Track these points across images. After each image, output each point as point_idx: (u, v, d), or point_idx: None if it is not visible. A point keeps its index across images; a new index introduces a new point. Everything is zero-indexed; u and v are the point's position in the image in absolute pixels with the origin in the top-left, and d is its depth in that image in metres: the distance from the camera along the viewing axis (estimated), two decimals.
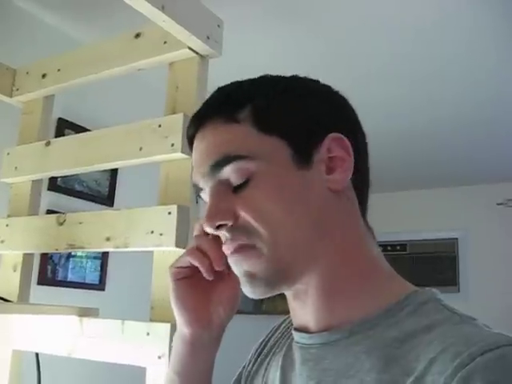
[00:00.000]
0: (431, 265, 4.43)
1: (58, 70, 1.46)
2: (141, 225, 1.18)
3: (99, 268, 2.34)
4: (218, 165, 0.51)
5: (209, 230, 0.52)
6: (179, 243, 1.12)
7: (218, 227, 0.51)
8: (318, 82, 0.58)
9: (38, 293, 1.67)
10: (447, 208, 4.36)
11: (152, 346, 1.10)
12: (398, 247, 4.51)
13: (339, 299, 0.52)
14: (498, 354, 0.40)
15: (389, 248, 4.38)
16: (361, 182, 0.55)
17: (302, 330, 0.55)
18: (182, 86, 1.24)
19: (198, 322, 0.58)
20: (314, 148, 0.52)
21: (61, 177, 2.13)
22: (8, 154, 1.52)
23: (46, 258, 2.10)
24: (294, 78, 0.57)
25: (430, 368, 0.43)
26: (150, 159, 1.23)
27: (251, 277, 0.50)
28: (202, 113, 0.55)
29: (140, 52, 1.29)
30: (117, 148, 1.28)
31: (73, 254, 2.22)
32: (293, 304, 0.55)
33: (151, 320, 1.15)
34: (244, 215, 0.50)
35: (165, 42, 1.24)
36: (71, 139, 1.48)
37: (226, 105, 0.53)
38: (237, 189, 0.51)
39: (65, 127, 2.18)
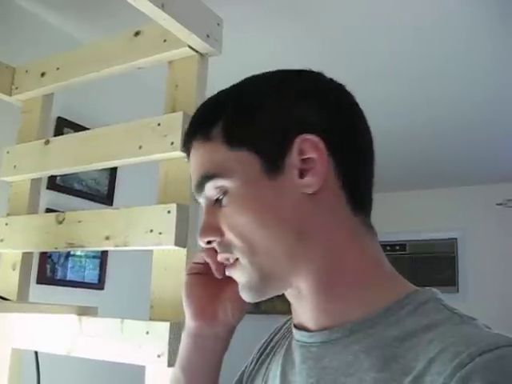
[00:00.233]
0: (430, 265, 4.43)
1: (58, 68, 1.46)
2: (140, 224, 1.18)
3: (98, 267, 2.34)
4: (200, 185, 0.54)
5: (202, 244, 0.55)
6: (178, 242, 1.12)
7: (209, 242, 0.54)
8: (300, 76, 0.56)
9: (37, 292, 1.67)
10: (446, 208, 4.36)
11: (151, 345, 1.09)
12: (398, 247, 4.51)
13: (335, 300, 0.52)
14: (497, 355, 0.40)
15: (388, 248, 4.38)
16: (352, 180, 0.53)
17: (303, 328, 0.55)
18: (181, 85, 1.24)
19: (202, 315, 0.60)
20: (283, 154, 0.51)
21: (60, 175, 2.12)
22: (7, 152, 1.52)
23: (45, 256, 2.10)
24: (267, 82, 0.56)
25: (429, 368, 0.43)
26: (149, 158, 1.23)
27: (242, 285, 0.54)
28: (188, 133, 0.57)
29: (139, 50, 1.29)
30: (116, 147, 1.28)
31: (72, 253, 2.21)
32: (292, 303, 0.56)
33: (150, 319, 1.15)
34: (226, 231, 0.52)
35: (164, 41, 1.24)
36: (70, 138, 1.48)
37: (202, 124, 0.55)
38: (220, 205, 0.53)
39: (64, 126, 2.17)
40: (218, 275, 0.58)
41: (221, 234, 0.53)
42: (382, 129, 3.18)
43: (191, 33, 1.17)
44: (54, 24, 2.16)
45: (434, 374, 0.42)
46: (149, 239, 1.16)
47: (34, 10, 2.07)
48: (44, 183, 2.01)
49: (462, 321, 0.47)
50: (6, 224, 1.44)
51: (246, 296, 0.54)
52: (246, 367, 0.66)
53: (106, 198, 2.39)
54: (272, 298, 0.56)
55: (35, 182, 1.50)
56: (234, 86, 0.57)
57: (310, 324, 0.53)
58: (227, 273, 0.55)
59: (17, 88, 1.55)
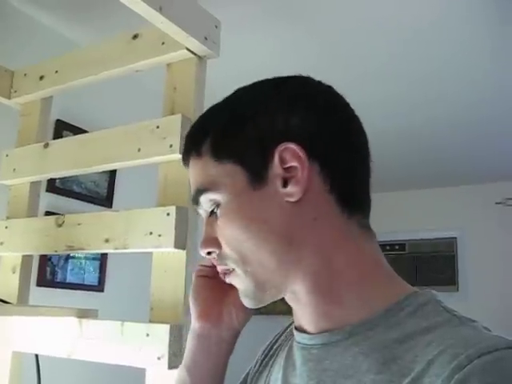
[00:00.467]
0: (430, 264, 4.44)
1: (56, 71, 1.46)
2: (140, 226, 1.18)
3: (98, 269, 2.34)
4: (195, 198, 0.56)
5: (203, 255, 0.57)
6: (178, 244, 1.12)
7: (209, 253, 0.56)
8: (285, 84, 0.57)
9: (37, 294, 1.67)
10: (446, 207, 4.36)
11: (151, 348, 1.10)
12: (397, 247, 4.51)
13: (332, 303, 0.52)
14: (495, 357, 0.40)
15: (388, 248, 4.39)
16: (343, 183, 0.53)
17: (303, 330, 0.55)
18: (179, 87, 1.24)
19: (208, 317, 0.61)
20: (267, 165, 0.52)
21: (59, 178, 2.13)
22: (7, 155, 1.52)
23: (44, 259, 2.10)
24: (252, 94, 0.57)
25: (427, 370, 0.43)
26: (148, 160, 1.23)
27: (240, 293, 0.56)
28: (184, 150, 0.59)
29: (138, 53, 1.29)
30: (115, 149, 1.28)
31: (72, 255, 2.21)
32: (292, 306, 0.56)
33: (150, 321, 1.15)
34: (222, 243, 0.54)
35: (162, 43, 1.24)
36: (69, 141, 1.48)
37: (193, 142, 0.57)
38: (216, 217, 0.55)
39: (63, 129, 2.18)
40: (223, 277, 0.59)
41: (219, 245, 0.55)
42: (381, 129, 3.20)
43: (189, 35, 1.17)
44: (51, 26, 2.17)
45: (432, 376, 0.42)
46: (148, 241, 1.16)
47: (31, 13, 2.08)
48: (43, 186, 2.01)
49: (461, 323, 0.47)
50: (6, 227, 1.44)
51: (246, 303, 0.56)
52: (250, 369, 0.66)
53: (105, 200, 2.39)
54: None
55: (35, 185, 1.50)
56: (223, 100, 0.58)
57: (309, 327, 0.54)
58: (227, 280, 0.57)
59: (16, 91, 1.55)
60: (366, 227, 0.55)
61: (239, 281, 0.55)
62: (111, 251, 1.26)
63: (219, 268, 0.57)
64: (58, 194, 2.17)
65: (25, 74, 1.54)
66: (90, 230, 1.28)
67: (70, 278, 2.21)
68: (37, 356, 1.28)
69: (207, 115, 0.59)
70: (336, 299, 0.52)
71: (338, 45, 2.27)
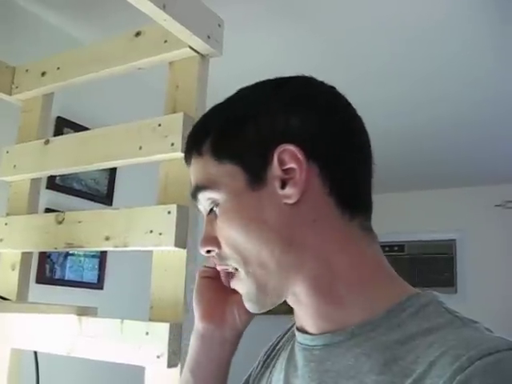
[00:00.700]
0: (429, 266, 4.44)
1: (58, 68, 1.46)
2: (140, 224, 1.18)
3: (97, 267, 2.34)
4: (193, 194, 0.57)
5: (203, 254, 0.57)
6: (178, 243, 1.12)
7: (209, 251, 0.56)
8: (287, 84, 0.57)
9: (36, 291, 1.67)
10: (446, 209, 4.36)
11: (151, 346, 1.10)
12: (396, 248, 4.51)
13: (333, 305, 0.52)
14: (497, 358, 0.40)
15: (387, 249, 4.39)
16: (344, 184, 0.53)
17: (305, 331, 0.55)
18: (182, 86, 1.24)
19: (210, 317, 0.62)
20: (266, 166, 0.52)
21: (59, 175, 2.12)
22: (7, 152, 1.51)
23: (44, 256, 2.10)
24: (253, 94, 0.57)
25: (429, 371, 0.43)
26: (149, 158, 1.23)
27: (243, 297, 0.56)
28: (185, 149, 0.59)
29: (140, 51, 1.29)
30: (116, 147, 1.28)
31: (71, 252, 2.21)
32: (293, 307, 0.56)
33: (150, 320, 1.15)
34: (222, 243, 0.54)
35: (165, 41, 1.24)
36: (70, 138, 1.48)
37: (194, 141, 0.58)
38: (215, 216, 0.55)
39: (63, 126, 2.17)
40: (225, 283, 0.59)
41: (218, 245, 0.55)
42: (382, 129, 3.20)
43: (192, 34, 1.17)
44: (54, 24, 2.16)
45: (434, 378, 0.42)
46: (149, 240, 1.16)
47: (35, 10, 2.07)
48: (43, 183, 2.01)
49: (463, 324, 0.47)
50: (6, 224, 1.44)
51: (249, 307, 0.56)
52: (252, 370, 0.66)
53: (105, 197, 2.39)
54: None
55: (35, 182, 1.50)
56: (225, 100, 0.59)
57: (311, 328, 0.54)
58: (232, 285, 0.57)
59: (17, 87, 1.55)
60: (367, 229, 0.55)
61: (242, 284, 0.55)
62: (111, 249, 1.25)
63: (219, 268, 0.57)
64: (57, 191, 2.17)
65: (26, 70, 1.54)
66: (91, 228, 1.28)
67: (68, 276, 2.21)
68: (36, 353, 1.28)
69: (209, 115, 0.59)
70: (337, 301, 0.52)
71: (342, 44, 2.27)
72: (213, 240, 0.55)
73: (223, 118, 0.57)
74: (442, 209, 4.37)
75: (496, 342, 0.42)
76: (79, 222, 1.31)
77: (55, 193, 2.16)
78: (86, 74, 1.40)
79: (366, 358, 0.48)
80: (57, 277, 2.16)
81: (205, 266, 0.63)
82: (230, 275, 0.56)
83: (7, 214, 1.48)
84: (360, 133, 0.56)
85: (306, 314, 0.54)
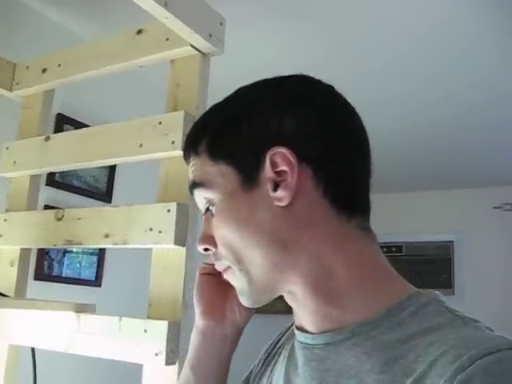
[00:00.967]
0: (427, 267, 4.44)
1: (59, 65, 1.46)
2: (140, 222, 1.18)
3: (96, 264, 2.34)
4: (190, 190, 0.58)
5: (201, 251, 0.58)
6: (178, 241, 1.12)
7: (206, 249, 0.57)
8: (284, 84, 0.56)
9: (35, 288, 1.67)
10: (444, 210, 4.37)
11: (149, 344, 1.10)
12: (394, 249, 4.52)
13: (332, 304, 0.52)
14: (498, 358, 0.40)
15: (385, 249, 4.27)
16: (341, 185, 0.53)
17: (305, 330, 0.55)
18: (183, 84, 1.24)
19: (211, 313, 0.62)
20: (259, 168, 0.52)
21: (59, 172, 2.12)
22: (7, 148, 1.51)
23: (43, 253, 2.10)
24: (250, 94, 0.57)
25: (430, 371, 0.43)
26: (149, 156, 1.23)
27: (238, 291, 0.56)
28: (184, 149, 0.60)
29: (141, 49, 1.29)
30: (117, 144, 1.28)
31: (69, 249, 2.21)
32: (292, 306, 0.56)
33: (148, 317, 1.15)
34: (217, 242, 0.55)
35: (167, 39, 1.24)
36: (71, 135, 1.48)
37: (192, 140, 0.58)
38: (211, 214, 0.55)
39: (64, 122, 2.17)
40: (224, 279, 0.59)
41: (214, 243, 0.55)
42: (384, 130, 3.20)
43: (194, 32, 1.17)
44: (55, 20, 2.16)
45: (434, 377, 0.42)
46: (148, 238, 1.16)
47: (36, 7, 2.07)
48: (43, 179, 2.00)
49: (464, 323, 0.47)
50: (5, 220, 1.44)
51: (243, 301, 0.57)
52: (253, 367, 0.67)
53: (104, 195, 2.39)
54: None
55: (35, 179, 1.49)
56: (224, 100, 0.59)
57: (311, 327, 0.54)
58: (224, 276, 0.57)
59: (17, 84, 1.55)
60: (366, 229, 0.55)
61: (235, 279, 0.55)
62: (110, 246, 1.26)
63: (216, 266, 0.58)
64: (57, 187, 2.17)
65: (27, 67, 1.53)
66: (90, 225, 1.28)
67: (66, 273, 2.21)
68: (33, 350, 1.28)
69: (207, 114, 0.60)
70: (336, 301, 0.52)
71: (345, 43, 2.27)
72: (209, 239, 0.55)
73: (220, 117, 0.57)
74: (440, 210, 4.38)
75: (497, 341, 0.42)
76: (78, 218, 1.30)
77: (55, 189, 2.16)
78: (86, 71, 1.40)
79: (367, 357, 0.48)
80: (55, 274, 2.16)
81: (205, 263, 0.63)
82: (223, 270, 0.57)
83: (6, 210, 1.48)
84: (358, 131, 0.56)
85: (304, 313, 0.54)
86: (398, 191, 4.43)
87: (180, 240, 1.13)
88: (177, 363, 1.08)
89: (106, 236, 1.23)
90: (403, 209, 4.48)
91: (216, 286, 0.62)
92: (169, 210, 1.13)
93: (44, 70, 1.49)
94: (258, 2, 1.97)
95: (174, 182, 1.19)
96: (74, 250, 2.24)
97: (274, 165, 0.51)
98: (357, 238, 0.53)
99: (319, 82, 0.58)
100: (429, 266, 4.44)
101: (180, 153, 1.15)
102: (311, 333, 0.53)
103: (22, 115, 1.56)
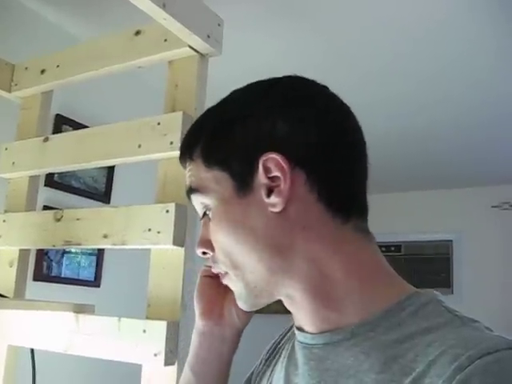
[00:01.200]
0: (425, 266, 4.45)
1: (57, 66, 1.46)
2: (138, 222, 1.19)
3: (94, 264, 2.34)
4: (187, 196, 0.58)
5: (199, 255, 0.59)
6: (177, 241, 1.13)
7: (204, 253, 0.57)
8: (277, 86, 0.56)
9: (34, 289, 1.67)
10: (442, 210, 4.37)
11: (148, 344, 1.10)
12: (393, 248, 4.52)
13: (331, 306, 0.52)
14: (496, 358, 0.40)
15: (383, 249, 4.28)
16: (337, 189, 0.53)
17: (304, 330, 0.55)
18: (181, 85, 1.24)
19: (210, 314, 0.63)
20: (252, 173, 0.52)
21: (58, 173, 2.12)
22: (6, 149, 1.51)
23: (42, 253, 2.10)
24: (243, 98, 0.57)
25: (428, 370, 0.43)
26: (148, 157, 1.23)
27: (236, 296, 0.57)
28: (180, 153, 0.60)
29: (140, 49, 1.29)
30: (115, 145, 1.28)
31: (67, 250, 2.21)
32: (290, 309, 0.56)
33: (147, 318, 1.15)
34: (214, 246, 0.55)
35: (165, 40, 1.24)
36: (69, 135, 1.48)
37: (187, 146, 0.58)
38: (209, 219, 0.56)
39: (62, 123, 2.17)
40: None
41: (212, 248, 0.56)
42: (382, 130, 3.20)
43: (192, 33, 1.17)
44: (53, 21, 2.16)
45: (433, 377, 0.42)
46: (147, 238, 1.16)
47: (34, 7, 2.07)
48: (41, 180, 2.01)
49: (463, 323, 0.47)
50: (4, 221, 1.44)
51: (240, 305, 0.57)
52: (255, 367, 0.67)
53: (103, 195, 2.39)
54: None
55: (33, 179, 1.50)
56: (218, 103, 0.59)
57: (310, 328, 0.54)
58: (223, 282, 0.58)
59: (16, 85, 1.55)
60: (363, 231, 0.55)
61: (232, 284, 0.56)
62: (109, 247, 1.26)
63: (213, 270, 0.58)
64: (56, 188, 2.17)
65: (26, 68, 1.54)
66: (89, 226, 1.28)
67: (65, 273, 2.21)
68: (32, 350, 1.28)
69: (201, 119, 0.59)
70: (334, 303, 0.52)
71: (343, 44, 2.27)
72: (207, 243, 0.56)
73: (213, 122, 0.57)
74: (438, 209, 4.38)
75: (496, 341, 0.43)
76: (77, 219, 1.31)
77: (53, 190, 2.16)
78: (85, 72, 1.40)
79: (365, 357, 0.48)
80: (53, 274, 2.16)
81: (206, 266, 0.63)
82: (223, 276, 0.57)
83: (5, 211, 1.48)
84: (354, 131, 0.56)
85: (303, 316, 0.54)
86: (396, 191, 4.44)
87: (178, 240, 1.13)
88: (176, 363, 1.09)
89: (105, 236, 1.23)
90: (402, 208, 4.48)
91: (216, 288, 0.62)
92: (167, 211, 1.14)
93: (42, 71, 1.49)
94: (256, 3, 1.98)
95: (172, 183, 1.19)
96: (73, 250, 2.24)
97: (267, 170, 0.51)
98: (354, 239, 0.53)
99: (314, 82, 0.57)
100: (427, 266, 4.45)
101: (178, 153, 1.15)
102: (311, 333, 0.54)
103: (20, 116, 1.56)
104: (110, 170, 2.41)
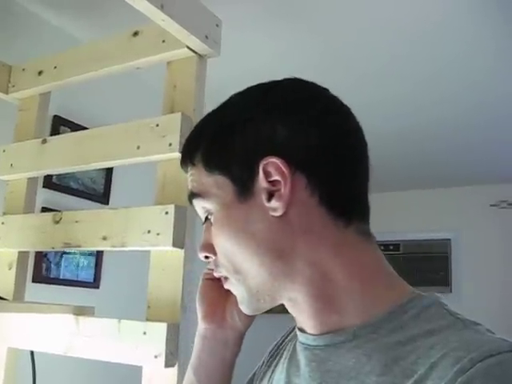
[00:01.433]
0: (424, 265, 4.46)
1: (55, 67, 1.45)
2: (138, 224, 1.18)
3: (93, 265, 2.33)
4: (189, 201, 0.58)
5: (201, 259, 0.59)
6: (176, 243, 1.12)
7: (207, 257, 0.57)
8: (276, 90, 0.56)
9: (33, 290, 1.67)
10: (441, 208, 4.38)
11: (148, 346, 1.10)
12: (391, 247, 4.52)
13: (333, 309, 0.52)
14: (498, 360, 0.40)
15: (382, 248, 4.22)
16: (339, 191, 0.53)
17: (306, 331, 0.55)
18: (180, 86, 1.24)
19: (212, 317, 0.63)
20: (253, 178, 0.52)
21: (56, 174, 2.12)
22: (4, 151, 1.51)
23: (41, 255, 2.09)
24: (242, 102, 0.57)
25: (430, 373, 0.43)
26: (147, 158, 1.23)
27: (239, 300, 0.57)
28: (181, 157, 0.60)
29: (138, 50, 1.29)
30: (114, 147, 1.28)
31: (66, 251, 2.21)
32: (291, 312, 0.56)
33: (147, 319, 1.15)
34: (217, 251, 0.56)
35: (163, 41, 1.24)
36: (68, 137, 1.48)
37: (188, 151, 0.58)
38: (210, 223, 0.56)
39: (60, 124, 2.17)
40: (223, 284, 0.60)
41: (214, 252, 0.56)
42: (379, 130, 3.20)
43: (190, 34, 1.17)
44: (52, 23, 2.16)
45: (435, 379, 0.42)
46: (146, 240, 1.16)
47: (33, 9, 2.07)
48: (40, 182, 2.00)
49: (465, 326, 0.47)
50: (2, 223, 1.44)
51: (243, 309, 0.57)
52: (257, 368, 0.67)
53: (102, 197, 2.39)
54: None
55: (32, 181, 1.49)
56: (218, 107, 0.58)
57: (311, 330, 0.54)
58: (225, 287, 0.58)
59: (13, 86, 1.54)
60: (365, 233, 0.54)
61: (234, 288, 0.56)
62: (108, 249, 1.25)
63: (215, 274, 0.58)
64: (54, 189, 2.16)
65: (23, 69, 1.53)
66: (88, 228, 1.28)
67: (64, 274, 2.21)
68: (32, 353, 1.27)
69: (202, 124, 0.59)
70: (336, 307, 0.52)
71: (340, 45, 2.27)
72: (209, 247, 0.56)
73: (213, 127, 0.57)
74: (437, 208, 4.39)
75: (497, 344, 0.43)
76: (76, 221, 1.30)
77: (52, 192, 2.15)
78: (83, 73, 1.39)
79: (367, 359, 0.48)
80: (53, 276, 2.16)
81: (208, 269, 0.63)
82: (224, 280, 0.58)
83: (4, 213, 1.48)
84: (355, 133, 0.56)
85: (305, 318, 0.54)
86: (394, 190, 4.44)
87: (178, 242, 1.13)
88: (176, 365, 1.09)
89: (104, 238, 1.23)
90: (400, 207, 4.49)
91: (218, 290, 0.62)
92: (167, 212, 1.14)
93: (40, 73, 1.48)
94: (254, 3, 1.97)
95: (171, 184, 1.19)
96: (72, 251, 2.24)
97: (267, 175, 0.51)
98: (355, 242, 0.53)
99: (314, 84, 0.57)
100: (426, 264, 4.45)
101: (177, 155, 1.15)
102: (312, 334, 0.54)
103: (18, 118, 1.55)
104: (109, 171, 2.40)
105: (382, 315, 0.50)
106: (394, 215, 4.38)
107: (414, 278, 4.27)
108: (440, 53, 2.28)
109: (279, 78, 0.58)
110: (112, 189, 2.43)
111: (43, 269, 2.12)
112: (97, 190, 2.37)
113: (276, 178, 0.51)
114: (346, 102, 0.57)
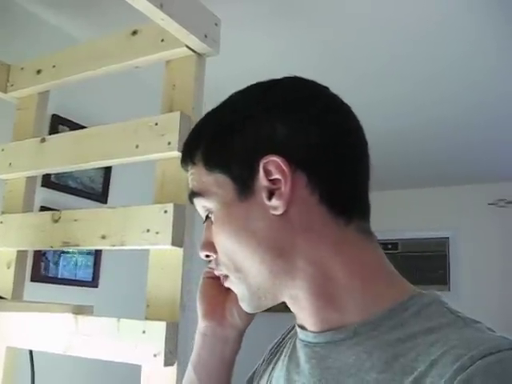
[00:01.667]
0: (422, 264, 4.46)
1: (54, 66, 1.45)
2: (137, 223, 1.18)
3: (92, 264, 2.33)
4: (190, 199, 0.58)
5: (202, 258, 0.59)
6: (175, 242, 1.12)
7: (207, 256, 0.58)
8: (275, 88, 0.56)
9: (31, 289, 1.66)
10: (439, 207, 4.38)
11: (148, 345, 1.10)
12: (390, 246, 4.53)
13: (333, 307, 0.52)
14: (498, 358, 0.40)
15: (381, 246, 4.40)
16: (339, 190, 0.53)
17: (306, 328, 0.55)
18: (179, 85, 1.24)
19: (212, 315, 0.63)
20: (253, 176, 0.52)
21: (54, 173, 2.11)
22: (2, 149, 1.51)
23: (39, 254, 2.09)
24: (242, 101, 0.57)
25: (430, 370, 0.43)
26: (146, 157, 1.23)
27: (239, 298, 0.57)
28: (181, 156, 0.60)
29: (137, 49, 1.29)
30: (113, 145, 1.28)
31: (65, 250, 2.20)
32: (292, 310, 0.57)
33: (147, 318, 1.15)
34: (217, 249, 0.56)
35: (162, 40, 1.24)
36: (66, 136, 1.48)
37: (188, 150, 0.58)
38: (211, 222, 0.56)
39: (59, 123, 2.16)
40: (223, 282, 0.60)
41: (215, 251, 0.56)
42: (379, 130, 3.20)
43: (189, 33, 1.17)
44: (50, 22, 2.15)
45: (435, 376, 0.42)
46: (145, 239, 1.16)
47: (32, 8, 2.06)
48: (38, 180, 2.00)
49: (465, 324, 0.47)
50: (1, 222, 1.44)
51: (244, 307, 0.58)
52: (258, 365, 0.67)
53: (100, 195, 2.38)
54: None
55: (31, 180, 1.49)
56: (218, 106, 0.58)
57: (312, 327, 0.54)
58: (225, 285, 0.58)
59: (12, 85, 1.54)
60: (365, 232, 0.55)
61: (234, 286, 0.57)
62: (107, 248, 1.25)
63: (216, 272, 0.58)
64: (53, 188, 2.16)
65: (22, 68, 1.53)
66: (87, 227, 1.28)
67: (62, 274, 2.20)
68: (31, 352, 1.27)
69: (201, 123, 0.59)
70: (336, 305, 0.52)
71: (340, 45, 2.26)
72: (210, 245, 0.56)
73: (213, 126, 0.57)
74: (435, 207, 4.39)
75: (498, 342, 0.43)
76: (75, 220, 1.30)
77: (50, 190, 2.15)
78: (81, 72, 1.39)
79: (367, 356, 0.48)
80: (51, 275, 2.15)
81: (209, 267, 0.63)
82: (225, 279, 0.58)
83: (2, 213, 1.48)
84: (355, 131, 0.56)
85: (306, 316, 0.54)
86: (393, 188, 4.44)
87: (177, 241, 1.13)
88: (175, 364, 1.09)
89: (103, 237, 1.23)
90: (399, 206, 4.49)
91: (218, 289, 0.62)
92: (166, 211, 1.14)
93: (39, 72, 1.48)
94: (253, 2, 1.97)
95: (170, 183, 1.19)
96: (70, 250, 2.24)
97: (267, 173, 0.51)
98: (356, 240, 0.53)
99: (314, 83, 0.57)
100: (425, 263, 4.46)
101: (176, 153, 1.16)
102: (313, 331, 0.54)
103: (16, 116, 1.55)
104: (107, 169, 2.40)
105: (382, 313, 0.50)
106: (392, 214, 4.38)
107: (413, 276, 4.22)
108: (440, 53, 2.28)
109: (278, 77, 0.58)
110: (110, 188, 2.43)
111: (42, 268, 2.11)
112: (95, 188, 2.37)
113: (276, 176, 0.51)
114: (346, 101, 0.57)
